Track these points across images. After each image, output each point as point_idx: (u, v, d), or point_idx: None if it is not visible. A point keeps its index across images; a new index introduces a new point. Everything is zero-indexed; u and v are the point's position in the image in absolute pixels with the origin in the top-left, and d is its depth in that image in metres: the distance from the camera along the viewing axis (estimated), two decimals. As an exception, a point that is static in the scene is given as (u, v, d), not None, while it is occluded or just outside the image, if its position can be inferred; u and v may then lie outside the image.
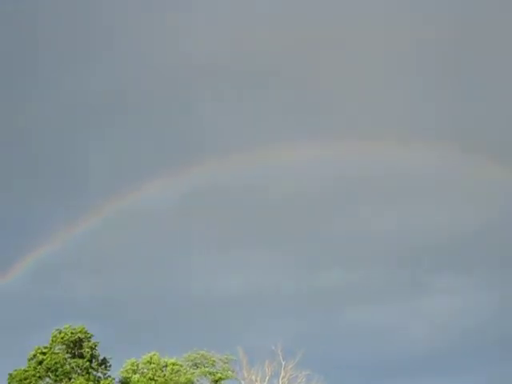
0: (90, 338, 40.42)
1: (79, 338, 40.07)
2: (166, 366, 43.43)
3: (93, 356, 40.31)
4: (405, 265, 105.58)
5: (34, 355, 39.85)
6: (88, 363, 39.81)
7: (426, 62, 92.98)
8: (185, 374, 43.31)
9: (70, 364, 39.55)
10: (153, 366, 43.09)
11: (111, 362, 41.84)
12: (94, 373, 40.21)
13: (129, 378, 42.61)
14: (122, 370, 43.84)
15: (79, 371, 39.57)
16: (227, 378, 46.18)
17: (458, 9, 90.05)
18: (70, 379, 39.04)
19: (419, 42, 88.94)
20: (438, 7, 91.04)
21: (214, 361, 46.07)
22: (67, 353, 39.92)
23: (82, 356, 39.92)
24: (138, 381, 42.20)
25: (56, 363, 38.94)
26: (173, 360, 43.79)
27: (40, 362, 39.32)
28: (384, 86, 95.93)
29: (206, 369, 45.89)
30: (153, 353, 43.90)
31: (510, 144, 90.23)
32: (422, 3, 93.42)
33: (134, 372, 43.40)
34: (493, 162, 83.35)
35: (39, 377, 39.11)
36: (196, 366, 46.19)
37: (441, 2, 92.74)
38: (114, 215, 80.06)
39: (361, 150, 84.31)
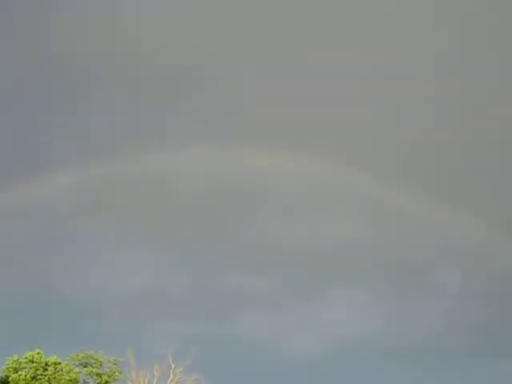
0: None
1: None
2: (48, 364, 42.20)
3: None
4: (296, 273, 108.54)
5: None
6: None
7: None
8: (68, 373, 42.16)
9: None
10: (35, 364, 41.77)
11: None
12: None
13: (9, 376, 41.06)
14: (3, 368, 42.34)
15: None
16: (115, 379, 45.32)
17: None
18: None
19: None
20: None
21: (101, 362, 45.01)
22: None
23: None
24: (18, 379, 40.78)
25: None
26: (55, 359, 42.52)
27: None
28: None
29: (94, 369, 44.82)
30: (36, 351, 42.58)
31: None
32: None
33: (16, 371, 41.98)
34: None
35: None
36: (83, 366, 45.05)
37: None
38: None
39: (255, 157, 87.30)
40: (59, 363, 42.35)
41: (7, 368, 42.22)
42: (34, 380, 41.39)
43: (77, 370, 43.73)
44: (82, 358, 44.43)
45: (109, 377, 44.73)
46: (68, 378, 41.90)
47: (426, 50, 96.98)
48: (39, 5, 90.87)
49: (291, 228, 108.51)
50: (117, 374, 44.88)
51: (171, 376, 44.61)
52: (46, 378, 41.47)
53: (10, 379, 40.96)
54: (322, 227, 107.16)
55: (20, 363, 42.39)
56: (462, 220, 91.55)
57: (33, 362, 41.86)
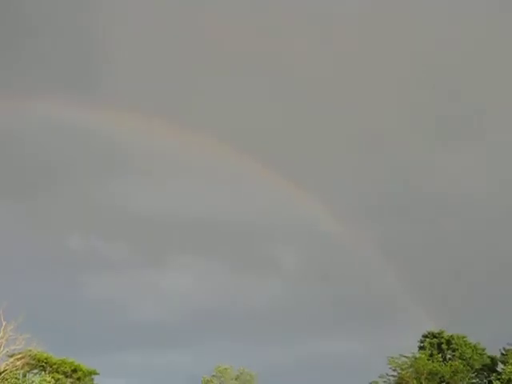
0: None
1: None
2: None
3: None
4: (145, 240, 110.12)
5: None
6: None
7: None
8: None
9: None
10: None
11: None
12: None
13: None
14: None
15: None
16: None
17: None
18: None
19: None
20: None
21: None
22: None
23: None
24: None
25: None
26: None
27: None
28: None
29: None
30: None
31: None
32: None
33: None
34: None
35: None
36: None
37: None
38: None
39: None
40: None
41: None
42: None
43: None
44: None
45: None
46: None
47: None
48: None
49: (142, 195, 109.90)
50: None
51: (1, 333, 44.51)
52: None
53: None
54: (174, 197, 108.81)
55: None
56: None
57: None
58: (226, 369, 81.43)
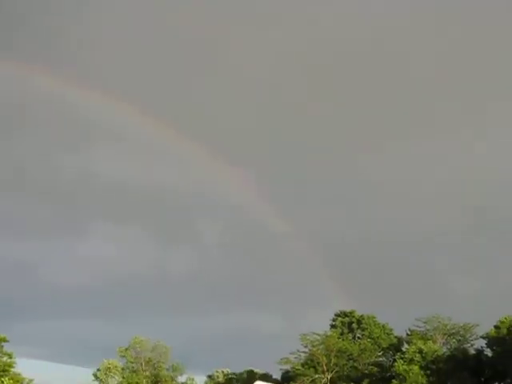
0: None
1: None
2: None
3: None
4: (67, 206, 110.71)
5: None
6: None
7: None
8: None
9: None
10: None
11: None
12: None
13: None
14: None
15: None
16: None
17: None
18: None
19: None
20: None
21: None
22: None
23: None
24: None
25: None
26: None
27: None
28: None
29: None
30: None
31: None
32: None
33: None
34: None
35: None
36: None
37: None
38: None
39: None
40: None
41: None
42: None
43: None
44: None
45: None
46: None
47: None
48: None
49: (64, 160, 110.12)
50: None
51: None
52: None
53: None
54: (96, 163, 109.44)
55: None
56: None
57: None
58: (142, 340, 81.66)
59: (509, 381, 53.95)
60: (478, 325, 61.34)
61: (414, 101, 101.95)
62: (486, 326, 57.59)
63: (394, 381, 55.40)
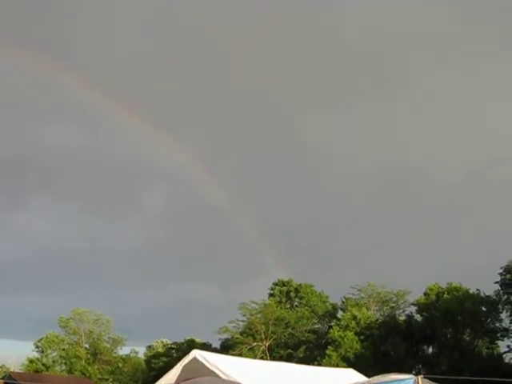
0: None
1: None
2: None
3: None
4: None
5: None
6: None
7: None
8: None
9: None
10: None
11: None
12: None
13: None
14: None
15: None
16: None
17: None
18: None
19: None
20: None
21: None
22: None
23: None
24: None
25: None
26: None
27: None
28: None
29: None
30: None
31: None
32: None
33: None
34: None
35: None
36: None
37: None
38: None
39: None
40: None
41: None
42: None
43: None
44: None
45: None
46: None
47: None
48: None
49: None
50: None
51: None
52: None
53: None
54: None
55: None
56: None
57: None
58: (82, 312, 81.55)
59: (436, 344, 56.65)
60: (410, 291, 63.69)
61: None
62: (416, 294, 60.13)
63: (329, 347, 57.20)
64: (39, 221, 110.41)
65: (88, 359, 78.92)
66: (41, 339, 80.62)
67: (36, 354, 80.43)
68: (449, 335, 55.56)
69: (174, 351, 76.95)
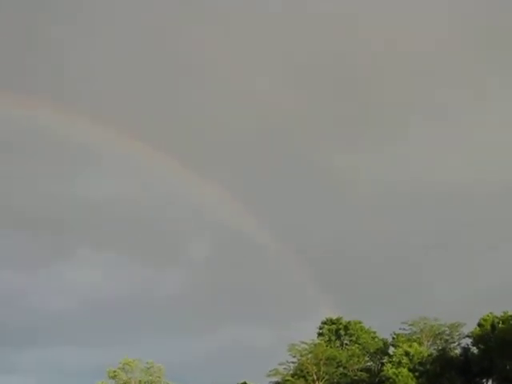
0: None
1: None
2: None
3: None
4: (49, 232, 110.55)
5: None
6: None
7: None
8: None
9: None
10: None
11: None
12: None
13: None
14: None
15: None
16: None
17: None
18: None
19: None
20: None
21: None
22: None
23: None
24: None
25: None
26: None
27: None
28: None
29: None
30: None
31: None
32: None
33: None
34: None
35: None
36: None
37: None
38: None
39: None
40: None
41: None
42: None
43: None
44: None
45: None
46: None
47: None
48: None
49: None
50: None
51: None
52: None
53: None
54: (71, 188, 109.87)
55: None
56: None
57: None
58: (131, 361, 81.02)
59: (495, 376, 54.38)
60: (464, 323, 61.73)
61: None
62: (471, 326, 58.18)
63: (384, 384, 55.64)
64: (88, 272, 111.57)
65: (140, 409, 77.97)
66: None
67: (88, 406, 80.00)
68: (508, 367, 53.25)
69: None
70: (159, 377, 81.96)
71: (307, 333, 70.47)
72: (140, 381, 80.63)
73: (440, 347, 62.00)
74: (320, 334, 69.20)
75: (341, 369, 63.43)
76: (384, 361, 60.07)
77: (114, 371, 79.68)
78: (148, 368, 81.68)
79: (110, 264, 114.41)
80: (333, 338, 68.11)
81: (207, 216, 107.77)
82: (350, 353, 64.70)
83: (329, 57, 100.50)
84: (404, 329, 63.88)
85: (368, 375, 62.74)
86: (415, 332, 63.32)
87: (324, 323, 70.02)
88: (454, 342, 62.29)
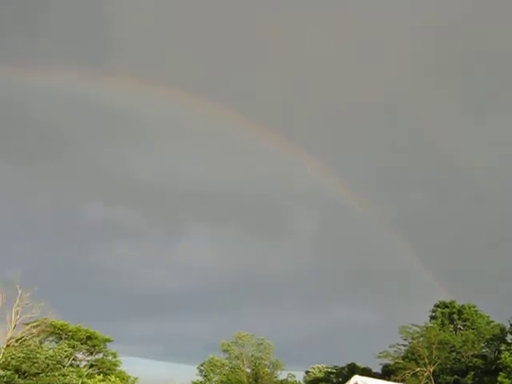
0: None
1: None
2: None
3: None
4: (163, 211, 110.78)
5: None
6: None
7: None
8: None
9: None
10: None
11: None
12: None
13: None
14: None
15: None
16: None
17: None
18: None
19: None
20: None
21: None
22: None
23: None
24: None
25: None
26: None
27: None
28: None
29: None
30: None
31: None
32: None
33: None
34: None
35: None
36: None
37: None
38: None
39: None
40: None
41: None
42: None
43: None
44: None
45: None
46: None
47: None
48: None
49: (152, 165, 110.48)
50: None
51: (18, 301, 44.34)
52: None
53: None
54: (183, 168, 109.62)
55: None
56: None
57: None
58: (245, 335, 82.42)
59: None
60: None
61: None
62: None
63: (501, 373, 53.17)
64: (202, 249, 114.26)
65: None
66: (203, 363, 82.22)
67: (200, 378, 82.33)
68: None
69: (333, 376, 75.57)
70: (268, 353, 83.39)
71: (417, 317, 68.91)
72: (252, 356, 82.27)
73: None
74: (432, 318, 67.38)
75: (454, 354, 61.39)
76: (502, 348, 57.42)
77: (228, 344, 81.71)
78: (259, 344, 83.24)
79: (223, 239, 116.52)
80: (446, 321, 66.10)
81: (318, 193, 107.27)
82: (463, 338, 62.48)
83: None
84: (523, 316, 60.78)
85: (483, 362, 60.29)
86: (536, 319, 60.12)
87: (437, 306, 68.09)
88: None
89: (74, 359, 56.08)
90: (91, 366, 57.59)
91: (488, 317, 65.65)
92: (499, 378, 52.32)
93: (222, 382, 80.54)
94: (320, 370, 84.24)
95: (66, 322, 56.82)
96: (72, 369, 53.65)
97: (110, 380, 51.84)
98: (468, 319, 65.20)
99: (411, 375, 58.67)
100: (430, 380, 58.03)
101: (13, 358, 47.70)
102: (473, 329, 63.96)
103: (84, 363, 57.78)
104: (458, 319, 66.10)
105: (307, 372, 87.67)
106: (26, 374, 48.01)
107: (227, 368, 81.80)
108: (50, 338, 56.58)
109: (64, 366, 52.91)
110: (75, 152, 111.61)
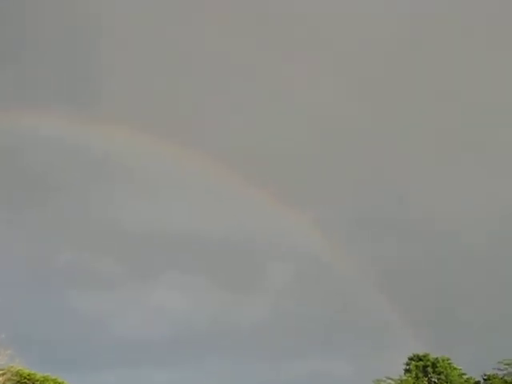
0: None
1: None
2: None
3: None
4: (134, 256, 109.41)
5: None
6: None
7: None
8: None
9: None
10: None
11: None
12: None
13: None
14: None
15: None
16: None
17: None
18: None
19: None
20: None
21: None
22: None
23: None
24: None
25: None
26: None
27: None
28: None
29: None
30: None
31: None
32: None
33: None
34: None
35: None
36: None
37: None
38: None
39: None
40: None
41: None
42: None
43: None
44: None
45: None
46: None
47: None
48: None
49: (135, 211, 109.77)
50: None
51: None
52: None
53: None
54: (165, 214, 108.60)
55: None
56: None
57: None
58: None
59: None
60: None
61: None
62: None
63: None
64: (168, 297, 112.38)
65: None
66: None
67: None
68: None
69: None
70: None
71: (392, 369, 68.18)
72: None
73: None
74: (407, 371, 66.60)
75: (428, 408, 60.69)
76: (475, 402, 56.92)
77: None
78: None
79: (188, 289, 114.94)
80: (420, 375, 65.38)
81: (291, 242, 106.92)
82: (438, 391, 61.92)
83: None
84: (499, 369, 60.52)
85: (458, 417, 59.71)
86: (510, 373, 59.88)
87: (411, 359, 67.44)
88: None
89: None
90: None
91: (460, 369, 65.24)
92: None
93: None
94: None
95: (34, 371, 54.97)
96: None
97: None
98: (442, 372, 64.63)
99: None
100: None
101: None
102: (447, 382, 63.36)
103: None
104: (433, 372, 65.48)
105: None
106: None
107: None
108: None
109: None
110: (60, 198, 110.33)
